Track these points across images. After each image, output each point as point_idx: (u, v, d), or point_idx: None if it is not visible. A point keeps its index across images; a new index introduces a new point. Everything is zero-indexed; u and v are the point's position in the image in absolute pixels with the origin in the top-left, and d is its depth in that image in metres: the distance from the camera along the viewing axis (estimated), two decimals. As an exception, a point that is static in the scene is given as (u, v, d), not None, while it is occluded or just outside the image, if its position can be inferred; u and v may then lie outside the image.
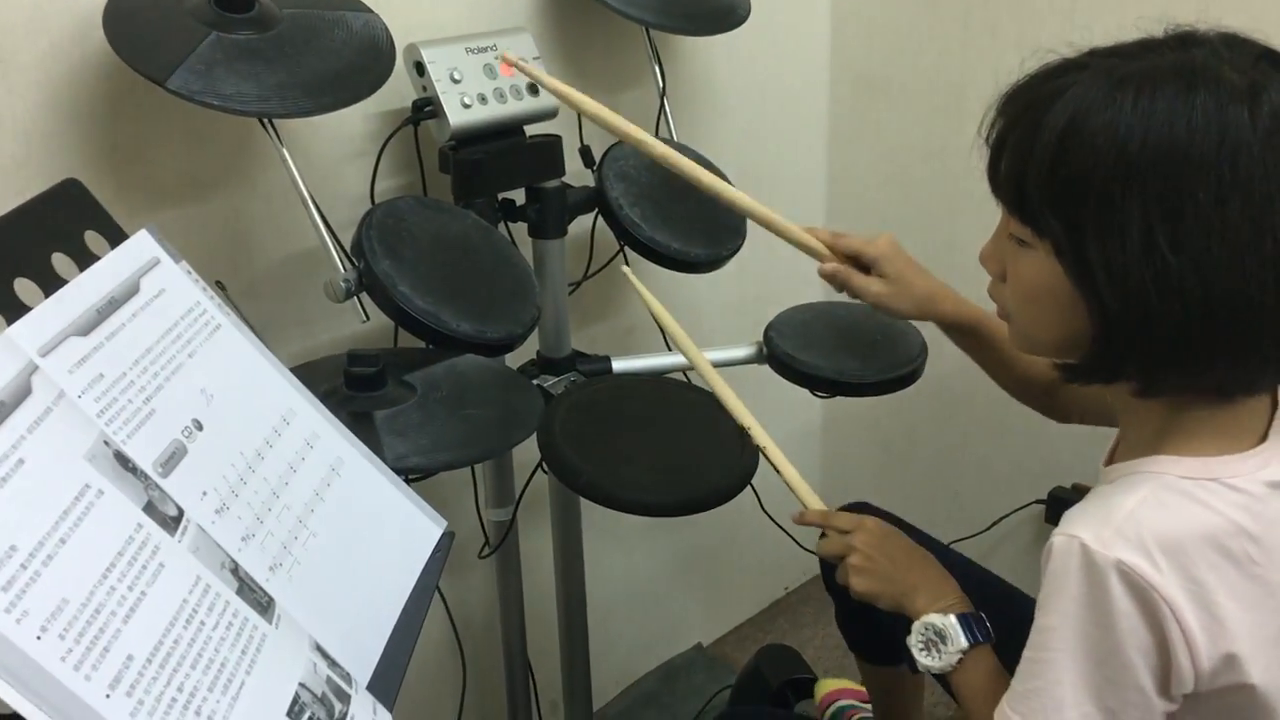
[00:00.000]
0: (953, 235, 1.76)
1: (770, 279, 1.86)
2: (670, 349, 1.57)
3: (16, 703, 0.51)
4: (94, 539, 0.59)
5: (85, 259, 0.72)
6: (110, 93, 1.11)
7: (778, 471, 1.09)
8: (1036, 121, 0.77)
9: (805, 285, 1.98)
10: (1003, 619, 0.94)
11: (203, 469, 0.71)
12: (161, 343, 0.73)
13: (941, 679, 0.97)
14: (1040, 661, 0.79)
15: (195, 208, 1.21)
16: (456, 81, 1.25)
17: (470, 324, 1.13)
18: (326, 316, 1.32)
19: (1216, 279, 0.72)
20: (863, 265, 1.17)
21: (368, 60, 1.13)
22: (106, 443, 0.64)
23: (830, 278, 1.18)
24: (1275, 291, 0.73)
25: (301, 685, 0.66)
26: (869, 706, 1.54)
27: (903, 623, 0.98)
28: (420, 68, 1.25)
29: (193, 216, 1.21)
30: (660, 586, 1.98)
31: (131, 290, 0.73)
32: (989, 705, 0.84)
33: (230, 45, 1.04)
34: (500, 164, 1.30)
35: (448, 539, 0.89)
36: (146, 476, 0.65)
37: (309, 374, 0.95)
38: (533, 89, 1.32)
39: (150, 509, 0.64)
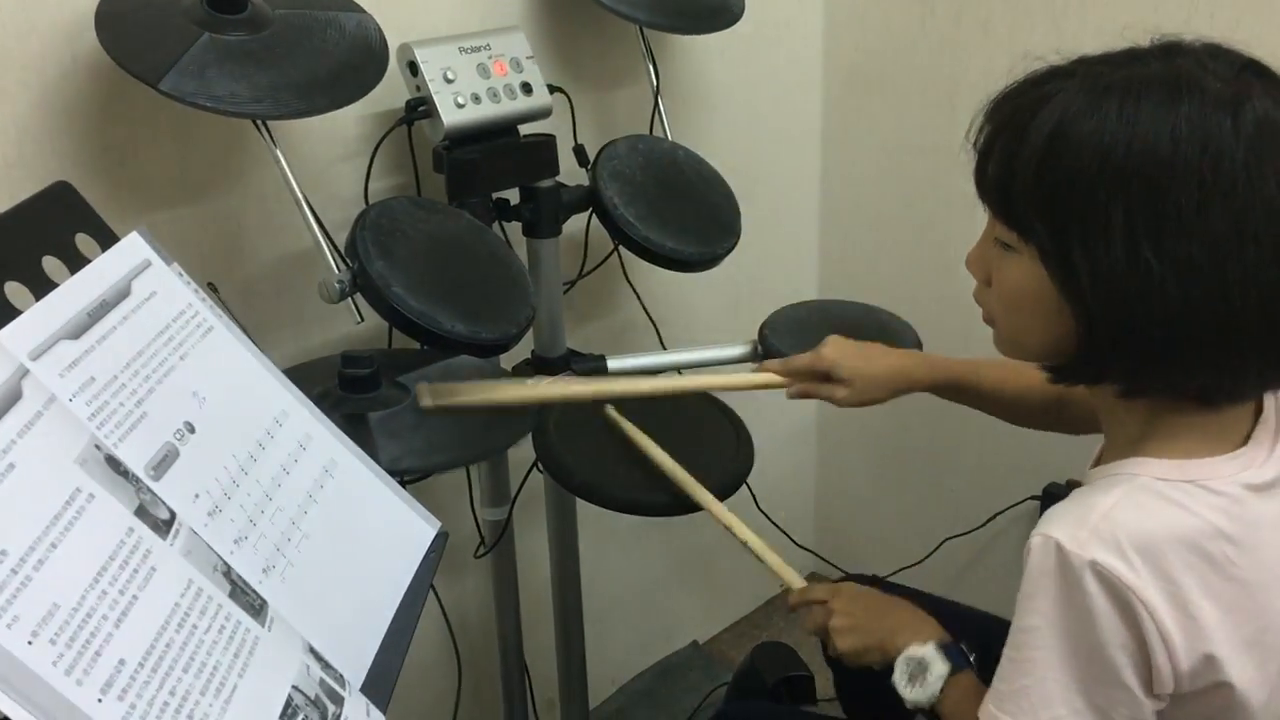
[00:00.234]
0: (946, 233, 1.76)
1: (765, 277, 1.86)
2: (665, 348, 1.57)
3: (8, 708, 0.50)
4: (85, 543, 0.59)
5: (76, 262, 0.72)
6: (102, 94, 1.11)
7: (759, 559, 1.13)
8: (1023, 127, 0.77)
9: (800, 283, 1.99)
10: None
11: (195, 472, 0.71)
12: (153, 345, 0.73)
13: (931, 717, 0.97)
14: (1025, 661, 0.80)
15: (187, 209, 1.20)
16: (450, 81, 1.25)
17: (465, 324, 1.13)
18: (320, 318, 1.31)
19: (1199, 285, 0.73)
20: (821, 376, 1.18)
21: (361, 60, 1.13)
22: (98, 446, 0.64)
23: (799, 398, 1.20)
24: (1257, 298, 0.73)
25: (294, 688, 0.66)
26: None
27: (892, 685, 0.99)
28: (413, 68, 1.25)
29: (185, 218, 1.20)
30: (655, 584, 1.98)
31: (123, 293, 0.73)
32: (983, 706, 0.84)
33: (223, 46, 1.04)
34: (494, 163, 1.30)
35: (442, 540, 0.89)
36: (138, 480, 0.65)
37: (303, 375, 0.94)
38: (526, 88, 1.32)
39: (142, 512, 0.64)
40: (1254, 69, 0.76)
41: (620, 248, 1.46)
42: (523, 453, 1.23)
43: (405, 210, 1.21)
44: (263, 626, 0.67)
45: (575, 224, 1.45)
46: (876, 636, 1.00)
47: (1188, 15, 1.44)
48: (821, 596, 1.07)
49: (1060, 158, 0.75)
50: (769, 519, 1.67)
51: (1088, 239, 0.75)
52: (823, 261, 2.03)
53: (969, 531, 1.89)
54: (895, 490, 2.08)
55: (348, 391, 1.03)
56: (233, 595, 0.67)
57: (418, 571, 0.85)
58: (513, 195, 1.37)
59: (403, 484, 0.89)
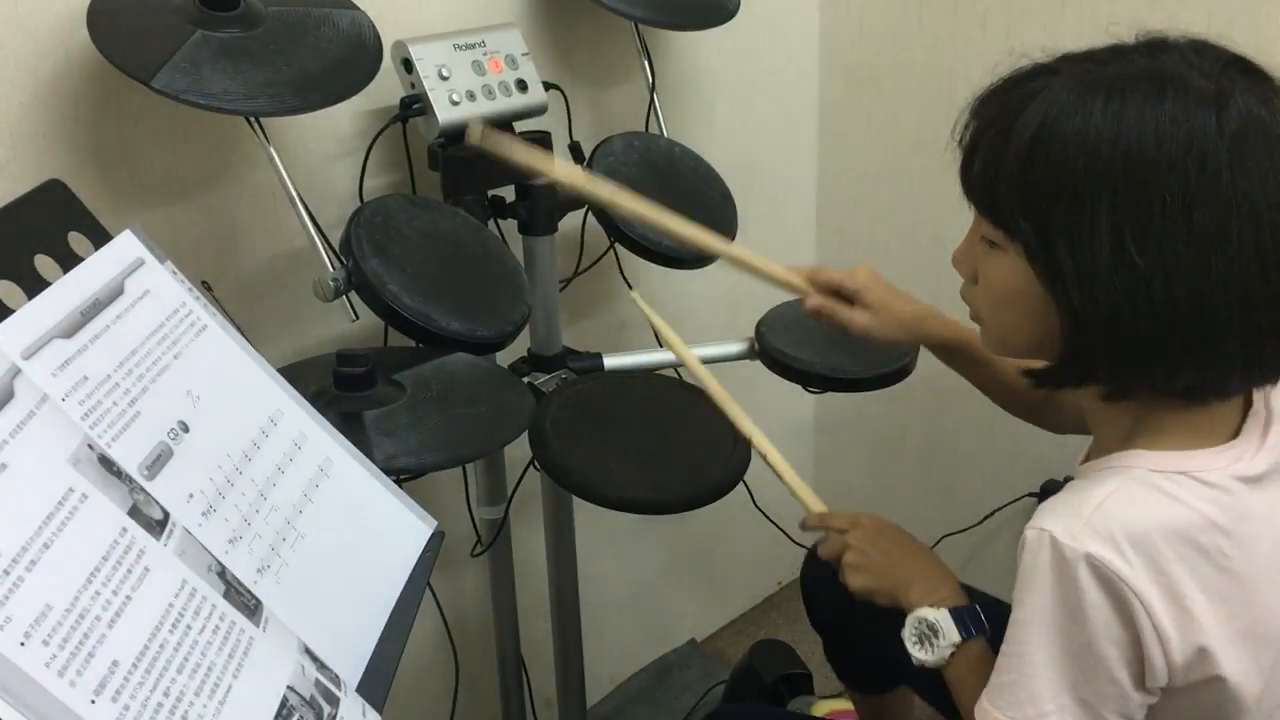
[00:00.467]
0: (943, 228, 1.75)
1: (762, 274, 1.86)
2: (661, 346, 1.57)
3: (1, 710, 0.50)
4: (78, 544, 0.58)
5: (69, 261, 0.72)
6: (94, 92, 1.10)
7: (780, 477, 1.09)
8: (1008, 125, 0.78)
9: (797, 280, 1.99)
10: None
11: (189, 471, 0.70)
12: (147, 344, 0.73)
13: (936, 673, 0.97)
14: (1016, 655, 0.80)
15: (181, 207, 1.20)
16: (445, 78, 1.25)
17: (460, 322, 1.13)
18: (315, 316, 1.31)
19: (1183, 281, 0.73)
20: (845, 297, 1.17)
21: (355, 57, 1.13)
22: (91, 446, 0.63)
23: (815, 313, 1.19)
24: (1241, 294, 0.74)
25: (290, 688, 0.66)
26: None
27: (888, 652, 0.98)
28: (408, 65, 1.24)
29: (178, 216, 1.20)
30: (653, 583, 1.98)
31: (116, 292, 0.72)
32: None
33: (216, 43, 1.04)
34: (489, 161, 1.29)
35: (438, 539, 0.89)
36: (131, 480, 0.65)
37: (298, 374, 0.94)
38: (521, 85, 1.31)
39: (135, 513, 0.63)
40: (1239, 65, 0.77)
41: (616, 245, 1.45)
42: (519, 451, 1.23)
43: (400, 208, 1.21)
44: (257, 627, 0.67)
45: (571, 221, 1.44)
46: (889, 583, 0.99)
47: (1187, 12, 1.44)
48: (840, 525, 1.05)
49: (1045, 155, 0.76)
50: (767, 516, 1.67)
51: (1073, 236, 0.75)
52: (819, 258, 2.02)
53: (967, 528, 1.89)
54: (893, 487, 2.08)
55: (343, 390, 1.02)
56: (227, 595, 0.66)
57: (414, 571, 0.85)
58: (508, 193, 1.36)
59: (398, 483, 0.89)
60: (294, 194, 1.12)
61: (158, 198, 1.18)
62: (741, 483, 1.15)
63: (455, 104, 1.25)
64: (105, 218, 0.78)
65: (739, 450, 1.14)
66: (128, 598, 0.59)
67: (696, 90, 1.72)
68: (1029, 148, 0.76)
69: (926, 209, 1.82)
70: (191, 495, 0.69)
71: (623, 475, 1.14)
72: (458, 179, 1.27)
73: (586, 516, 1.52)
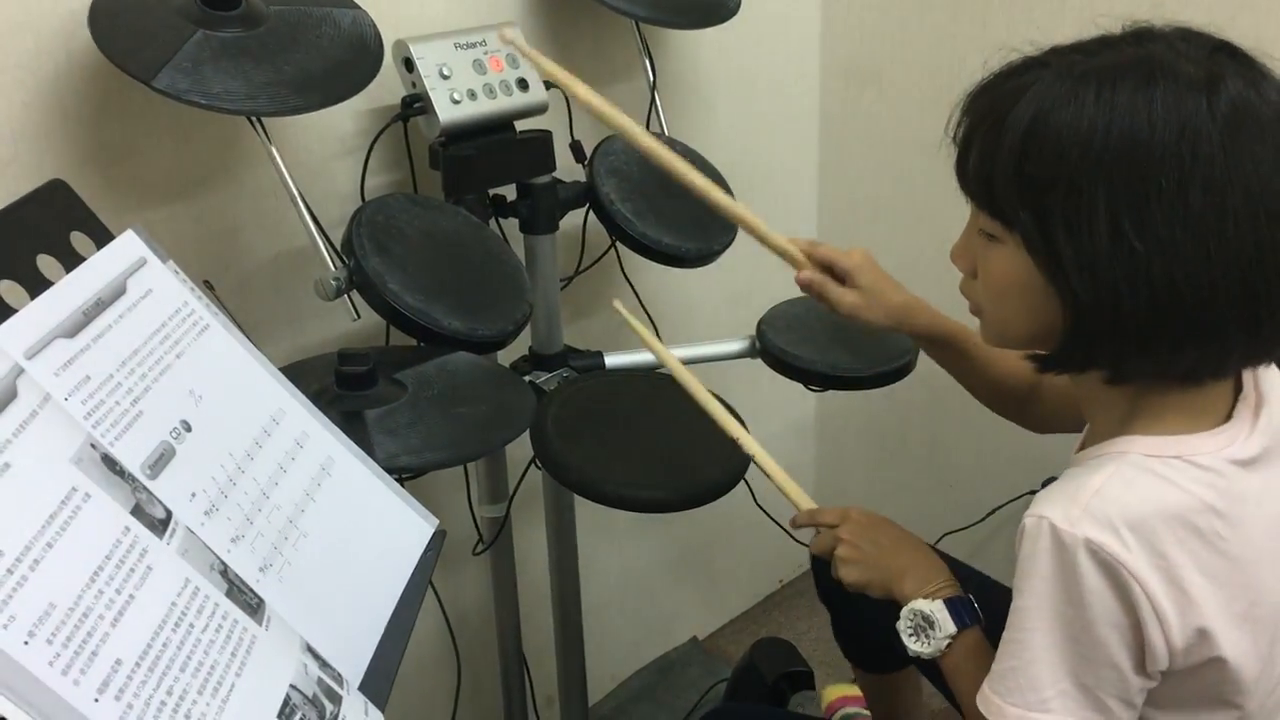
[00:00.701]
0: (944, 226, 1.75)
1: (762, 273, 1.84)
2: (662, 344, 1.56)
3: (4, 708, 0.50)
4: (81, 543, 0.59)
5: (71, 260, 0.72)
6: (96, 92, 1.10)
7: (769, 476, 1.09)
8: (1001, 119, 0.78)
9: (797, 279, 1.99)
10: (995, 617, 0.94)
11: (191, 470, 0.70)
12: (149, 344, 0.73)
13: (933, 664, 0.97)
14: (1016, 642, 0.80)
15: (183, 207, 1.20)
16: (446, 77, 1.25)
17: (461, 321, 1.13)
18: (317, 315, 1.31)
19: (1182, 264, 0.74)
20: (838, 276, 1.17)
21: (356, 57, 1.13)
22: (94, 445, 0.63)
23: (805, 285, 1.19)
24: (1239, 275, 0.74)
25: (292, 687, 0.66)
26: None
27: (894, 630, 0.98)
28: (409, 64, 1.24)
29: (180, 216, 1.20)
30: (655, 581, 1.98)
31: (118, 291, 0.72)
32: (979, 688, 0.84)
33: (217, 43, 1.04)
34: (490, 160, 1.30)
35: (439, 537, 0.89)
36: (134, 479, 0.65)
37: (299, 373, 0.94)
38: (522, 84, 1.31)
39: (138, 511, 0.63)
40: (1226, 50, 0.77)
41: (617, 244, 1.45)
42: (520, 450, 1.23)
43: (401, 207, 1.21)
44: (260, 625, 0.67)
45: (572, 220, 1.44)
46: (882, 575, 0.99)
47: (1188, 10, 1.43)
48: (830, 520, 1.05)
49: (1040, 146, 0.76)
50: (768, 515, 1.67)
51: (1071, 225, 0.76)
52: (820, 257, 2.02)
53: (968, 526, 1.89)
54: (894, 486, 2.08)
55: (344, 389, 1.03)
56: (230, 594, 0.66)
57: (415, 569, 0.85)
58: (509, 192, 1.36)
59: (400, 481, 0.89)
60: (295, 193, 1.12)
61: (159, 197, 1.18)
62: (743, 481, 1.15)
63: (456, 103, 1.25)
64: (107, 217, 0.78)
65: (740, 449, 1.14)
66: (131, 597, 0.59)
67: (697, 89, 1.72)
68: (1023, 141, 0.77)
69: (927, 206, 1.82)
70: (194, 494, 0.70)
71: (624, 474, 1.14)
72: (459, 178, 1.27)
73: (588, 515, 1.52)
